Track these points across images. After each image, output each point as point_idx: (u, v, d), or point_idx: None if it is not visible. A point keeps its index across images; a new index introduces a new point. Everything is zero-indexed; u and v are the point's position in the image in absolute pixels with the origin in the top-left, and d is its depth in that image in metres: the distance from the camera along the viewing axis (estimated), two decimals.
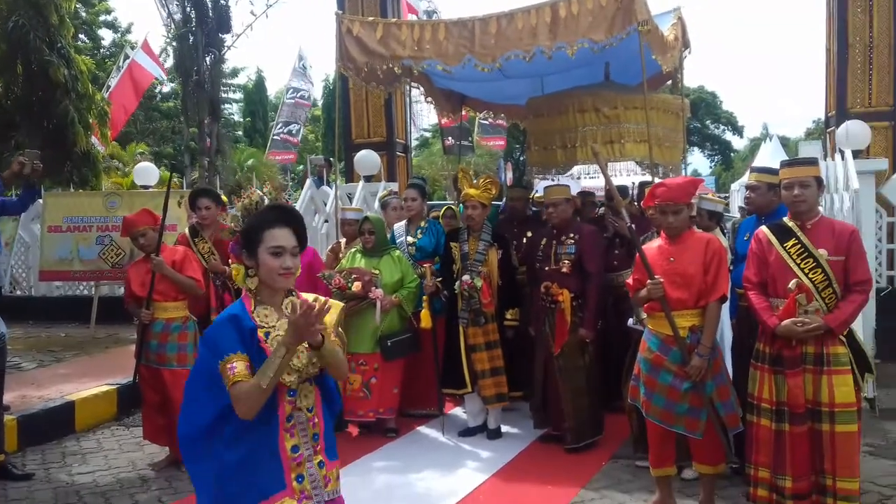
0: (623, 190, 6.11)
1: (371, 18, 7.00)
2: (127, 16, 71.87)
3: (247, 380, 2.30)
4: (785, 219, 3.83)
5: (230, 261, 5.64)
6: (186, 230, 6.03)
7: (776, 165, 4.20)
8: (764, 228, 3.87)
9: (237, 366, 2.32)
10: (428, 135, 32.53)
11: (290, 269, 2.43)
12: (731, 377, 4.18)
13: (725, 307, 4.19)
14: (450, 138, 16.83)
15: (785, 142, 30.17)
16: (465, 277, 5.42)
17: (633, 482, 4.65)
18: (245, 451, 2.39)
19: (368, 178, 10.71)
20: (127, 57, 17.28)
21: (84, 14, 27.47)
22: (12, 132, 11.15)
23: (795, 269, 3.64)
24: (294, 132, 18.87)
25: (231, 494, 2.40)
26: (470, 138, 16.95)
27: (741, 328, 4.60)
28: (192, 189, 8.83)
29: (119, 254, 9.34)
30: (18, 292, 10.93)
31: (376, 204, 10.31)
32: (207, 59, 12.01)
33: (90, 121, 11.68)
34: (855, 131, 8.43)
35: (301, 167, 25.75)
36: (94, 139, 12.08)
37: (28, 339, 8.96)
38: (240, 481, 2.39)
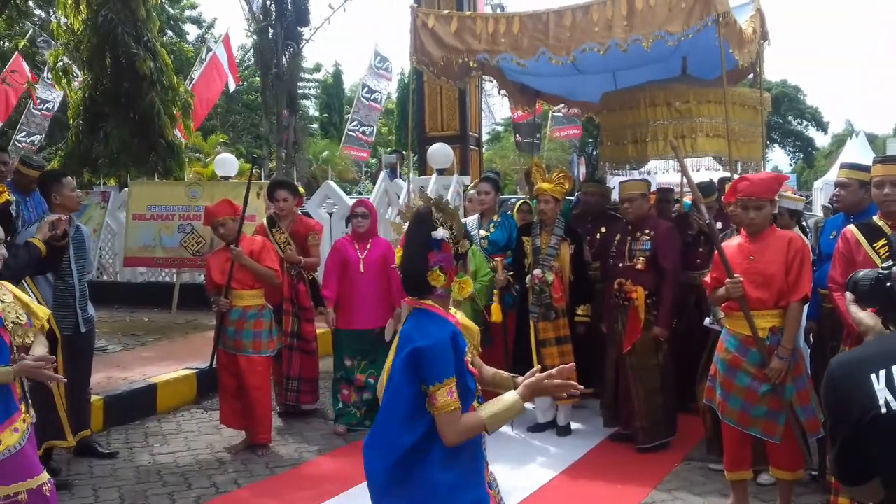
0: (710, 186, 5.97)
1: (446, 12, 7.03)
2: (211, 11, 73.91)
3: (458, 406, 2.28)
4: (875, 218, 3.68)
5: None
6: (265, 220, 6.18)
7: (864, 162, 4.03)
8: (852, 227, 3.72)
9: (455, 391, 2.28)
10: (500, 129, 32.48)
11: None
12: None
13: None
14: (518, 136, 16.79)
15: (872, 138, 28.92)
16: (537, 272, 5.40)
17: (707, 485, 4.55)
18: (459, 470, 2.36)
19: (441, 172, 10.75)
20: (209, 49, 17.79)
21: (171, 10, 28.47)
22: (101, 123, 11.58)
23: None
24: (368, 133, 19.04)
25: None
26: (538, 135, 16.81)
27: (823, 330, 4.44)
28: (270, 180, 9.04)
29: (200, 242, 9.61)
30: (105, 277, 11.38)
31: (449, 197, 10.38)
32: (286, 52, 12.26)
33: (174, 112, 12.06)
34: None
35: (374, 160, 26.02)
36: (176, 131, 12.47)
37: (114, 322, 9.33)
38: (455, 501, 2.35)
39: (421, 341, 2.31)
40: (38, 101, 18.15)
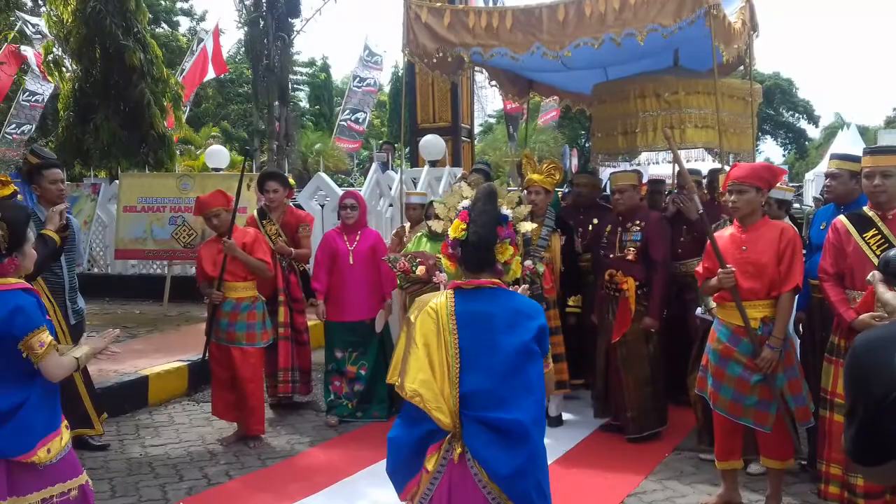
0: (695, 174, 5.97)
1: (438, 4, 7.00)
2: (202, 3, 73.48)
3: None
4: (865, 208, 3.69)
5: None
6: (255, 212, 6.17)
7: (856, 153, 4.05)
8: (842, 218, 3.74)
9: None
10: (492, 120, 32.45)
11: None
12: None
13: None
14: (510, 127, 16.86)
15: (863, 130, 29.04)
16: (528, 262, 5.38)
17: (697, 475, 4.58)
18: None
19: (433, 164, 10.74)
20: (201, 41, 17.71)
21: (164, 2, 28.36)
22: (91, 115, 11.53)
23: (875, 260, 3.51)
24: (360, 120, 18.87)
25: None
26: (514, 131, 16.93)
27: (812, 320, 4.46)
28: (260, 172, 9.01)
29: (191, 234, 9.58)
30: (96, 270, 11.32)
31: (441, 188, 10.37)
32: (277, 44, 12.21)
33: (165, 104, 12.01)
34: None
35: (367, 152, 25.97)
36: (165, 122, 12.42)
37: (105, 314, 9.30)
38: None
39: (541, 318, 2.51)
40: (27, 93, 18.03)
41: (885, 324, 1.76)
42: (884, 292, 1.95)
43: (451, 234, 2.61)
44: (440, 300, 2.55)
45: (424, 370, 2.44)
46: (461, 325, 2.48)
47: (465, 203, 2.65)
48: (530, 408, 2.44)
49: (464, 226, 2.57)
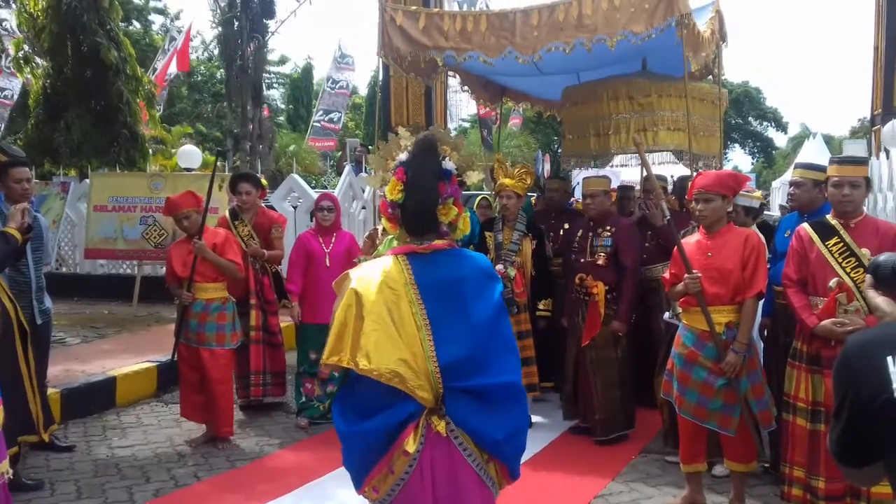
0: (661, 180, 6.03)
1: (413, 8, 7.04)
2: (177, 1, 72.79)
3: None
4: (828, 216, 3.77)
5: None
6: (227, 213, 6.14)
7: (821, 163, 4.13)
8: (806, 226, 3.81)
9: None
10: (466, 125, 32.52)
11: None
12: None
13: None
14: (484, 132, 16.91)
15: (828, 139, 29.52)
16: (499, 267, 5.44)
17: (662, 477, 4.64)
18: None
19: None
20: (173, 39, 17.58)
21: (137, 1, 28.08)
22: (62, 112, 11.39)
23: (837, 267, 3.59)
24: (335, 120, 18.89)
25: None
26: (490, 136, 17.00)
27: (776, 325, 4.54)
28: (232, 173, 8.97)
29: (161, 234, 9.52)
30: (64, 269, 11.19)
31: None
32: (251, 44, 12.15)
33: (139, 102, 11.91)
34: None
35: (339, 153, 25.96)
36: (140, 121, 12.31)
37: (73, 315, 9.18)
38: None
39: (496, 272, 2.40)
40: None
41: (875, 326, 1.77)
42: (874, 297, 1.97)
43: (388, 195, 2.33)
44: (390, 268, 2.30)
45: (400, 348, 2.22)
46: (427, 295, 2.28)
47: (403, 157, 2.38)
48: (515, 366, 2.34)
49: (401, 186, 2.31)
